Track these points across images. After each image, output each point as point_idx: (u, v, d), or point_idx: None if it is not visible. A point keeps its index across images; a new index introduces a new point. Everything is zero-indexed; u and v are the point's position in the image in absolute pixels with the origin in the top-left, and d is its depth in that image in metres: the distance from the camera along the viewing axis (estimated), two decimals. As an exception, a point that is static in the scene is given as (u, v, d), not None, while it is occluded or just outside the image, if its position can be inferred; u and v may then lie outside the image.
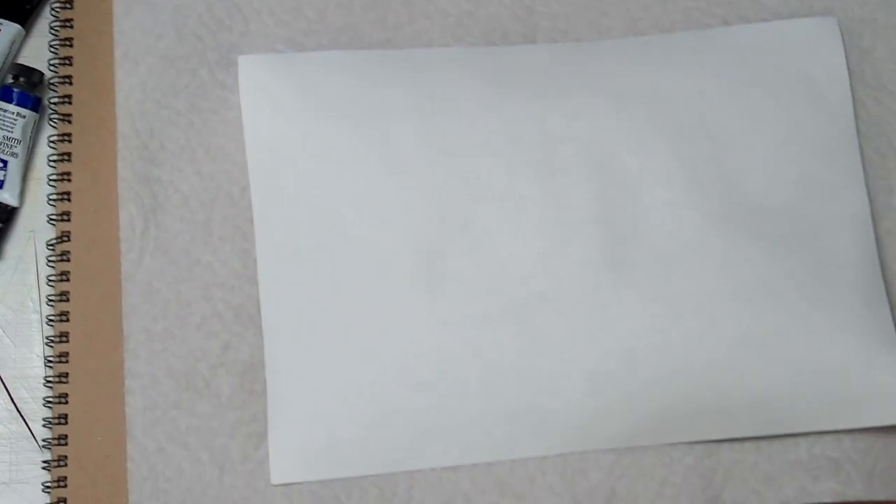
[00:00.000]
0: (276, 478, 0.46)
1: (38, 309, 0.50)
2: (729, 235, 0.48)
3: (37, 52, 0.52)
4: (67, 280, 0.49)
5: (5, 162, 0.50)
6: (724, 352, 0.47)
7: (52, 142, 0.50)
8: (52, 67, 0.51)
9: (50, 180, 0.50)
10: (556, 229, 0.48)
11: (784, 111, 0.50)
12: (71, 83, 0.51)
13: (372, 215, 0.48)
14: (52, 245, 0.49)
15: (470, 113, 0.49)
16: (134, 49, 0.50)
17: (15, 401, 0.49)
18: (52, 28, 0.52)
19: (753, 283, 0.48)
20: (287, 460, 0.46)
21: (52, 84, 0.51)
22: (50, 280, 0.49)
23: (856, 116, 0.51)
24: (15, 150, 0.50)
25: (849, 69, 0.51)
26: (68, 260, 0.49)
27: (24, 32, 0.52)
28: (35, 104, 0.51)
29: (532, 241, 0.48)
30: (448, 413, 0.47)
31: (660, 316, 0.48)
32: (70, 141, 0.50)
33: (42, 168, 0.51)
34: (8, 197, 0.50)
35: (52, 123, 0.51)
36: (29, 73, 0.51)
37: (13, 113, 0.50)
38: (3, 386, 0.49)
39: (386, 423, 0.47)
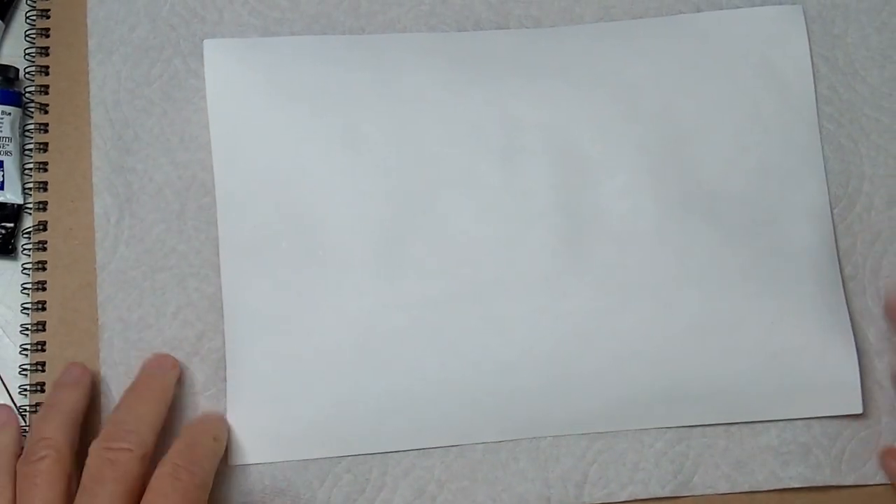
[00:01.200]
0: (234, 458, 0.47)
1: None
2: (686, 222, 0.49)
3: (10, 47, 0.52)
4: (44, 269, 0.49)
5: (1, 162, 0.50)
6: (679, 338, 0.48)
7: (29, 132, 0.50)
8: (28, 57, 0.51)
9: (25, 169, 0.50)
10: (515, 215, 0.49)
11: (746, 99, 0.50)
12: (47, 73, 0.51)
13: (333, 199, 0.49)
14: (28, 233, 0.50)
15: (434, 98, 0.50)
16: (108, 39, 0.50)
17: (15, 401, 0.49)
18: (28, 18, 0.52)
19: (709, 270, 0.48)
20: (245, 441, 0.47)
21: (29, 74, 0.51)
22: (25, 267, 0.49)
23: (828, 102, 0.51)
24: (8, 148, 0.50)
25: (821, 55, 0.51)
26: (45, 249, 0.49)
27: (3, 26, 0.52)
28: (17, 100, 0.51)
29: (492, 226, 0.49)
30: (407, 396, 0.47)
31: (615, 302, 0.48)
32: (47, 131, 0.50)
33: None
34: (11, 196, 0.50)
35: (28, 113, 0.51)
36: (5, 70, 0.51)
37: (0, 112, 0.50)
38: (3, 386, 0.49)
39: (345, 405, 0.47)
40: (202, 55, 0.50)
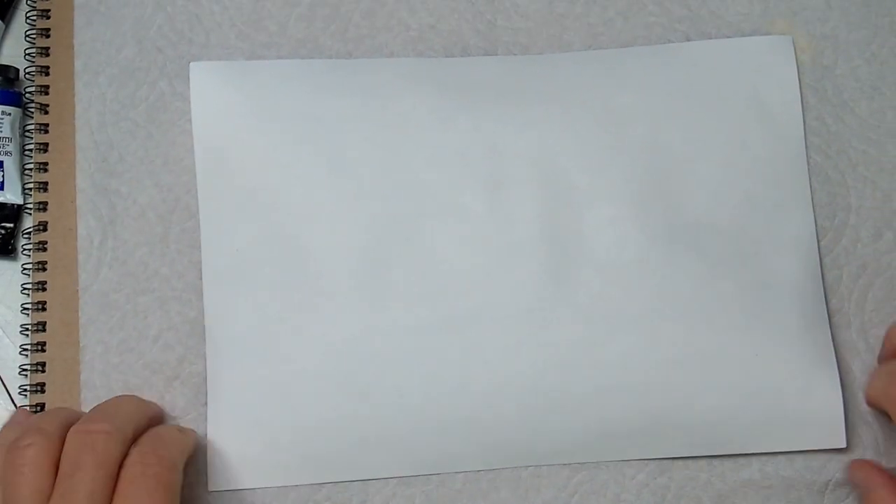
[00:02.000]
0: (213, 484, 0.47)
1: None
2: (671, 253, 0.48)
3: (10, 47, 0.52)
4: (44, 270, 0.49)
5: (1, 162, 0.50)
6: (662, 369, 0.47)
7: (29, 132, 0.50)
8: (28, 57, 0.51)
9: (25, 170, 0.50)
10: (499, 244, 0.48)
11: (733, 129, 0.50)
12: (48, 73, 0.51)
13: (317, 225, 0.48)
14: (28, 233, 0.49)
15: (420, 125, 0.49)
16: (94, 60, 0.50)
17: (15, 401, 0.49)
18: (28, 18, 0.51)
19: (693, 302, 0.48)
20: (224, 467, 0.47)
21: (29, 74, 0.51)
22: (25, 268, 0.49)
23: (816, 134, 0.51)
24: (8, 148, 0.50)
25: (810, 86, 0.51)
26: (45, 249, 0.49)
27: (3, 26, 0.52)
28: (17, 100, 0.51)
29: (476, 255, 0.48)
30: (387, 424, 0.47)
31: (598, 332, 0.48)
32: (47, 131, 0.50)
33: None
34: (11, 196, 0.50)
35: (28, 114, 0.51)
36: (5, 70, 0.51)
37: (0, 112, 0.50)
38: (3, 386, 0.49)
39: (325, 432, 0.47)
40: (188, 78, 0.50)
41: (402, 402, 0.47)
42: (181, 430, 0.46)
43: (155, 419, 0.47)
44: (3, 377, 0.49)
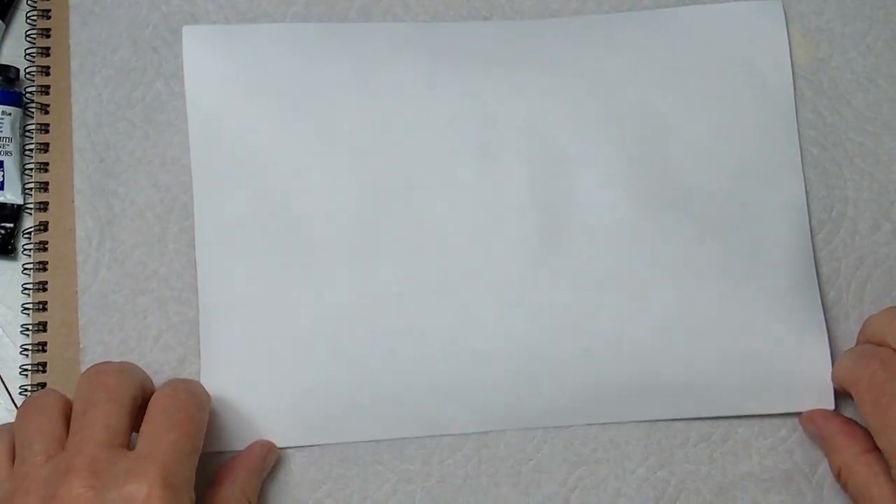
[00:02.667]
0: (206, 446, 0.47)
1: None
2: (661, 218, 0.49)
3: (10, 47, 0.52)
4: (45, 270, 0.49)
5: (1, 162, 0.50)
6: (652, 332, 0.48)
7: (29, 132, 0.50)
8: (28, 57, 0.51)
9: (26, 170, 0.50)
10: (490, 209, 0.49)
11: (725, 95, 0.50)
12: (48, 73, 0.51)
13: (309, 190, 0.49)
14: (28, 234, 0.50)
15: (411, 90, 0.50)
16: (90, 61, 0.50)
17: (15, 401, 0.49)
18: (28, 18, 0.51)
19: (684, 266, 0.48)
20: (214, 428, 0.47)
21: (30, 74, 0.51)
22: (25, 268, 0.49)
23: (812, 126, 0.51)
24: (8, 148, 0.50)
25: (806, 79, 0.51)
26: (46, 249, 0.49)
27: (3, 26, 0.52)
28: (17, 100, 0.51)
29: (467, 220, 0.49)
30: (379, 387, 0.47)
31: (589, 296, 0.48)
32: (47, 131, 0.50)
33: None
34: (11, 196, 0.50)
35: (28, 113, 0.51)
36: (5, 70, 0.51)
37: (0, 112, 0.50)
38: (3, 386, 0.49)
39: (316, 395, 0.47)
40: (184, 77, 0.50)
41: (394, 366, 0.48)
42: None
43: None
44: (3, 377, 0.49)
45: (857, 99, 0.51)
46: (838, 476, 0.45)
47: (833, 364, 0.48)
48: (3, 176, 0.50)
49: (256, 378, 0.47)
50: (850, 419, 0.47)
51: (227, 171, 0.49)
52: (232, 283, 0.48)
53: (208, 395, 0.46)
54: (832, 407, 0.48)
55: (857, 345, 0.48)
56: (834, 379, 0.48)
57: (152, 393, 0.44)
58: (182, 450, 0.41)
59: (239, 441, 0.47)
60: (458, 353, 0.48)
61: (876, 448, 0.44)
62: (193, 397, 0.44)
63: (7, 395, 0.49)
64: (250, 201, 0.49)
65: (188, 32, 0.50)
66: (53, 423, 0.42)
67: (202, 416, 0.44)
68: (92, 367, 0.44)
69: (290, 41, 0.50)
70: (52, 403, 0.43)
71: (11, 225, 0.50)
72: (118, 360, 0.48)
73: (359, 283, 0.48)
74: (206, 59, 0.50)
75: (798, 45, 0.51)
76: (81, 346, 0.48)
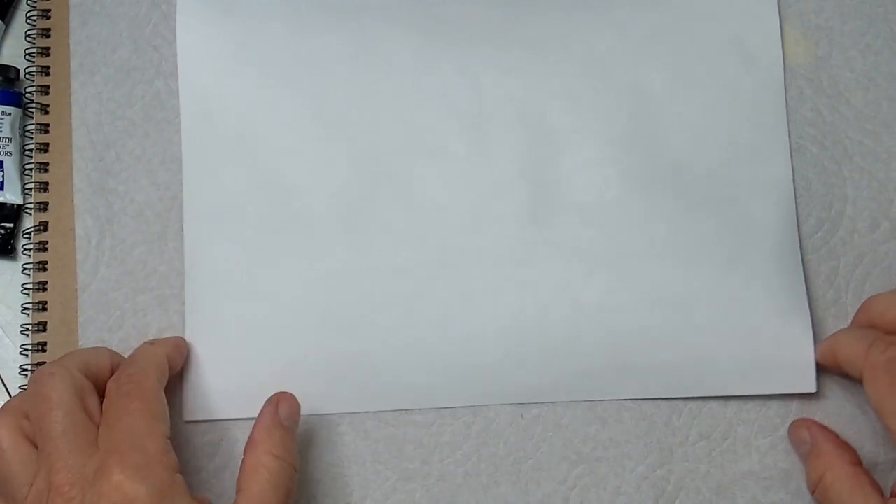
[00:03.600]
0: (188, 414, 0.47)
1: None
2: (650, 196, 0.49)
3: (10, 47, 0.53)
4: (45, 270, 0.49)
5: (1, 162, 0.50)
6: (639, 309, 0.48)
7: (29, 132, 0.51)
8: (28, 57, 0.51)
9: (26, 170, 0.50)
10: (481, 185, 0.49)
11: (715, 74, 0.50)
12: (48, 74, 0.51)
13: (301, 164, 0.49)
14: (28, 234, 0.50)
15: (404, 66, 0.50)
16: (89, 60, 0.50)
17: None
18: (28, 18, 0.52)
19: (672, 243, 0.49)
20: (201, 398, 0.47)
21: (30, 74, 0.51)
22: (25, 268, 0.50)
23: (811, 124, 0.51)
24: (8, 148, 0.50)
25: (805, 77, 0.51)
26: (46, 249, 0.49)
27: (3, 26, 0.52)
28: (17, 100, 0.51)
29: (458, 195, 0.49)
30: (369, 360, 0.48)
31: (578, 272, 0.48)
32: (47, 131, 0.50)
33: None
34: (11, 196, 0.50)
35: (28, 114, 0.51)
36: (5, 70, 0.51)
37: (0, 112, 0.50)
38: (3, 386, 0.49)
39: (304, 366, 0.48)
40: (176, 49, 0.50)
41: (383, 340, 0.48)
42: (153, 343, 0.47)
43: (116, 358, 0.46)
44: (3, 377, 0.49)
45: (856, 97, 0.51)
46: (819, 481, 0.45)
47: (819, 343, 0.48)
48: (3, 176, 0.50)
49: (242, 349, 0.48)
50: (840, 439, 0.46)
51: (217, 144, 0.49)
52: (222, 256, 0.48)
53: (157, 353, 0.45)
54: (813, 389, 0.48)
55: (854, 325, 0.48)
56: (827, 356, 0.47)
57: (108, 364, 0.44)
58: (138, 428, 0.41)
59: (230, 410, 0.47)
60: (447, 326, 0.48)
61: (861, 464, 0.45)
62: (132, 377, 0.43)
63: (7, 395, 0.49)
64: (241, 174, 0.49)
65: (182, 7, 0.50)
66: (23, 450, 0.42)
67: (148, 386, 0.43)
68: (31, 375, 0.44)
69: (284, 15, 0.50)
70: (13, 436, 0.42)
71: (11, 225, 0.50)
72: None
73: (349, 256, 0.48)
74: (200, 31, 0.50)
75: (797, 44, 0.52)
76: (80, 343, 0.48)
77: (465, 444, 0.48)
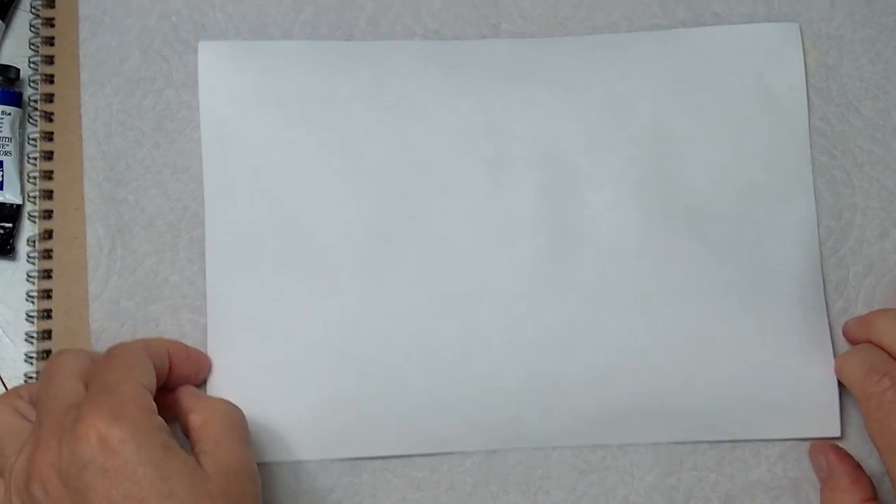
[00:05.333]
0: None
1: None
2: (671, 238, 0.49)
3: (10, 48, 0.53)
4: (50, 278, 0.49)
5: (1, 162, 0.50)
6: (659, 352, 0.48)
7: (33, 140, 0.51)
8: (32, 65, 0.51)
9: (30, 178, 0.50)
10: (501, 224, 0.49)
11: (738, 116, 0.50)
12: (52, 82, 0.51)
13: (320, 202, 0.49)
14: (33, 242, 0.50)
15: (424, 105, 0.50)
16: (100, 71, 0.51)
17: None
18: (32, 26, 0.52)
19: (692, 287, 0.48)
20: None
21: (33, 83, 0.51)
22: (30, 276, 0.50)
23: (821, 134, 0.51)
24: (7, 148, 0.50)
25: (815, 86, 0.51)
26: (51, 257, 0.49)
27: (3, 26, 0.52)
28: (17, 100, 0.51)
29: (477, 234, 0.49)
30: (386, 401, 0.48)
31: (597, 313, 0.48)
32: (52, 139, 0.50)
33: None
34: (10, 196, 0.50)
35: (31, 122, 0.51)
36: (6, 70, 0.51)
37: (0, 112, 0.50)
38: (3, 386, 0.49)
39: (323, 408, 0.48)
40: (194, 86, 0.50)
41: (402, 380, 0.48)
42: (123, 348, 0.45)
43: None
44: (2, 376, 0.49)
45: (866, 106, 0.51)
46: None
47: (838, 375, 0.48)
48: (3, 176, 0.50)
49: (262, 389, 0.48)
50: (859, 465, 0.46)
51: (239, 183, 0.49)
52: (241, 294, 0.48)
53: (162, 343, 0.46)
54: (838, 433, 0.48)
55: (852, 335, 0.48)
56: (837, 373, 0.48)
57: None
58: (112, 377, 0.41)
59: None
60: (465, 368, 0.48)
61: (876, 499, 0.45)
62: (131, 342, 0.45)
63: None
64: (261, 212, 0.49)
65: (204, 47, 0.50)
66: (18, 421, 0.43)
67: (133, 347, 0.44)
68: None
69: (305, 57, 0.50)
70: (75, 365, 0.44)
71: (11, 225, 0.50)
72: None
73: (367, 295, 0.48)
74: (221, 73, 0.50)
75: (807, 53, 0.51)
76: (93, 353, 0.48)
77: (475, 453, 0.48)
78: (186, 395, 0.45)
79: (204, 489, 0.40)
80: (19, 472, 0.40)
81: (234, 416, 0.44)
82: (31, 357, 0.49)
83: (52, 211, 0.50)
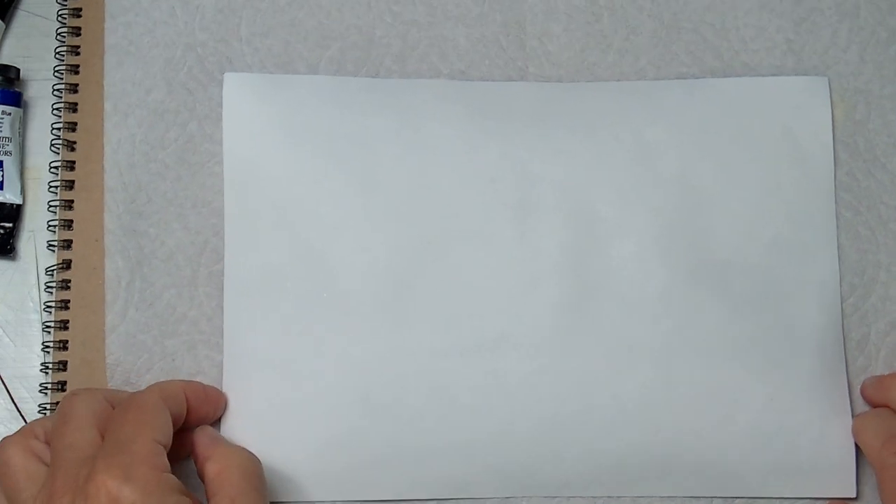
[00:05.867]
0: None
1: (39, 309, 0.50)
2: (694, 290, 0.49)
3: (10, 47, 0.53)
4: (67, 308, 0.49)
5: (1, 162, 0.50)
6: (678, 406, 0.48)
7: (55, 169, 0.50)
8: (56, 93, 0.51)
9: (49, 206, 0.50)
10: (524, 271, 0.49)
11: (765, 169, 0.50)
12: (76, 111, 0.51)
13: (343, 242, 0.49)
14: (51, 272, 0.50)
15: (450, 148, 0.50)
16: (123, 102, 0.50)
17: (15, 401, 0.49)
18: (58, 54, 0.51)
19: (713, 340, 0.48)
20: None
21: (57, 111, 0.51)
22: (48, 306, 0.49)
23: (847, 189, 0.51)
24: (7, 148, 0.50)
25: (842, 141, 0.51)
26: (69, 288, 0.49)
27: (3, 26, 0.52)
28: (17, 100, 0.51)
29: (500, 281, 0.49)
30: (402, 445, 0.47)
31: (617, 365, 0.48)
32: (73, 169, 0.50)
33: (39, 167, 0.51)
34: (10, 196, 0.50)
35: (54, 150, 0.51)
36: (6, 70, 0.51)
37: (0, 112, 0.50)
38: (3, 386, 0.49)
39: (340, 449, 0.47)
40: (217, 119, 0.50)
41: (418, 424, 0.48)
42: (140, 398, 0.44)
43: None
44: (2, 376, 0.49)
45: (892, 162, 0.51)
46: None
47: (854, 437, 0.48)
48: (3, 176, 0.50)
49: (277, 428, 0.47)
50: None
51: (260, 219, 0.49)
52: (259, 332, 0.48)
53: (179, 386, 0.46)
54: (853, 494, 0.48)
55: (869, 396, 0.48)
56: (854, 435, 0.48)
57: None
58: (126, 433, 0.41)
59: None
60: (482, 415, 0.48)
61: None
62: (147, 390, 0.44)
63: (7, 395, 0.49)
64: (283, 250, 0.49)
65: (229, 79, 0.50)
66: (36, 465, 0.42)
67: (150, 399, 0.43)
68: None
69: (331, 93, 0.50)
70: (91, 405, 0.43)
71: (11, 225, 0.51)
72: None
73: (387, 338, 0.48)
74: (246, 106, 0.50)
75: (835, 107, 0.51)
76: (109, 386, 0.48)
77: (489, 500, 0.48)
78: (203, 440, 0.45)
79: None
80: None
81: (250, 468, 0.43)
82: (47, 388, 0.49)
83: (71, 241, 0.50)
